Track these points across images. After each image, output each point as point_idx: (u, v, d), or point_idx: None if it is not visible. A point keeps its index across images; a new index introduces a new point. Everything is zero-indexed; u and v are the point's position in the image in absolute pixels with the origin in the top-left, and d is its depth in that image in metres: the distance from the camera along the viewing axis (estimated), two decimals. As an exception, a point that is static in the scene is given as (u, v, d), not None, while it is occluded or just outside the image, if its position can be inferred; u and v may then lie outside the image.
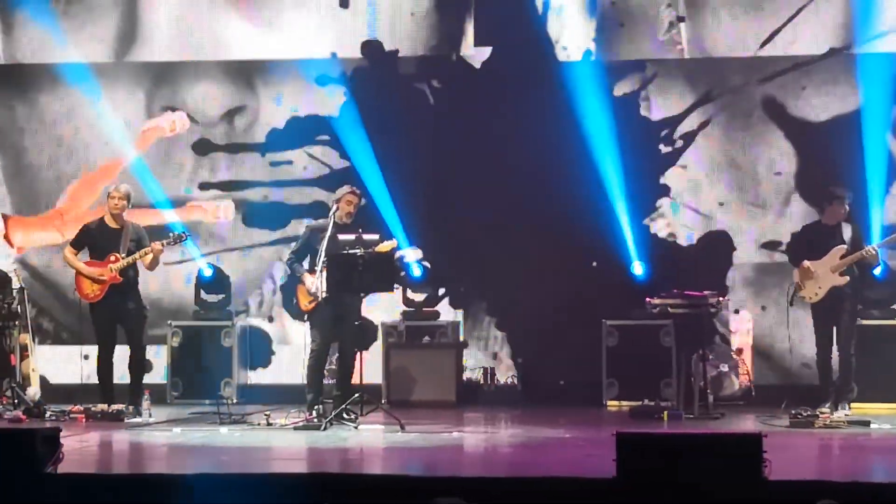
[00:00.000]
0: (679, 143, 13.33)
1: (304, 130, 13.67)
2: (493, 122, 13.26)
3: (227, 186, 13.79)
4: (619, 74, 13.36)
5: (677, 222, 13.30)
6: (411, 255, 13.20)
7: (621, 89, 13.36)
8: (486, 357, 13.42)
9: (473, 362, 13.31)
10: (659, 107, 13.34)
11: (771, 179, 13.19)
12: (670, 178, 13.34)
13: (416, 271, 13.13)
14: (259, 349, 13.55)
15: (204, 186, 13.79)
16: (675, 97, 13.34)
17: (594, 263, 13.06)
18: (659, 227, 13.29)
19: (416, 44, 13.64)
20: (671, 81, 13.34)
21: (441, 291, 13.44)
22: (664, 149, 13.36)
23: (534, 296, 13.25)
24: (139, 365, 11.46)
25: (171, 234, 11.56)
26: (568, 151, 12.99)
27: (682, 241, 13.28)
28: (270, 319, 13.65)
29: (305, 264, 10.98)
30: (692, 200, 13.30)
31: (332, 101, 13.65)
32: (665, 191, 13.33)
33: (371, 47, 13.65)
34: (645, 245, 13.09)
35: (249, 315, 13.64)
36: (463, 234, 13.39)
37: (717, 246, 13.20)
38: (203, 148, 13.84)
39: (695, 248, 13.25)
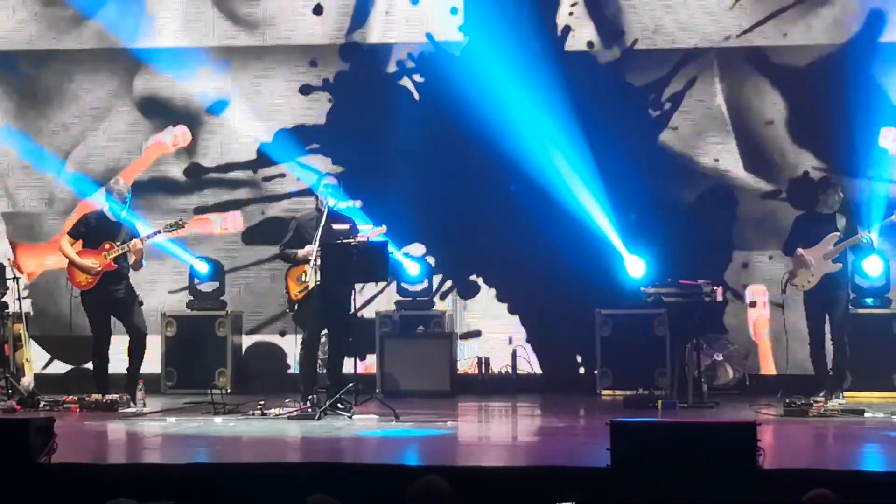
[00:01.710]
0: (667, 106, 13.33)
1: (293, 141, 13.65)
2: (479, 108, 13.23)
3: (223, 207, 13.77)
4: (601, 45, 13.39)
5: (677, 184, 13.28)
6: (414, 252, 13.22)
7: (604, 59, 13.37)
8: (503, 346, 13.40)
9: (467, 352, 13.31)
10: (643, 70, 13.36)
11: (763, 128, 13.19)
12: (663, 140, 13.32)
13: (414, 270, 13.08)
14: (274, 367, 13.49)
15: (199, 210, 13.78)
16: (657, 59, 13.34)
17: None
18: (658, 191, 13.25)
19: (393, 40, 13.61)
20: (652, 44, 13.36)
21: (448, 283, 13.48)
22: (653, 113, 13.36)
23: (527, 285, 13.27)
24: (138, 351, 11.41)
25: (168, 223, 11.50)
26: (556, 131, 12.98)
27: (684, 202, 13.26)
28: (282, 334, 13.61)
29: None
30: (688, 159, 13.27)
31: (317, 109, 13.64)
32: (660, 154, 13.31)
33: (350, 50, 13.64)
34: (648, 210, 13.06)
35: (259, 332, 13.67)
36: (459, 226, 13.40)
37: (720, 202, 13.21)
38: (194, 171, 13.81)
39: (697, 207, 13.24)
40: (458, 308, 13.50)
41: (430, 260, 13.42)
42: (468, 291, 13.57)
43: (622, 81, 13.36)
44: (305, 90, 13.71)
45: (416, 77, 13.64)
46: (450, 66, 13.49)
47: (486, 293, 13.55)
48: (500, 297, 13.53)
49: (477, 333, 13.45)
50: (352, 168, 13.24)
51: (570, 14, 13.44)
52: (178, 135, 13.83)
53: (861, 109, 12.59)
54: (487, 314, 13.51)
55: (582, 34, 13.44)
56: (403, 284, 13.12)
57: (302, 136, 13.66)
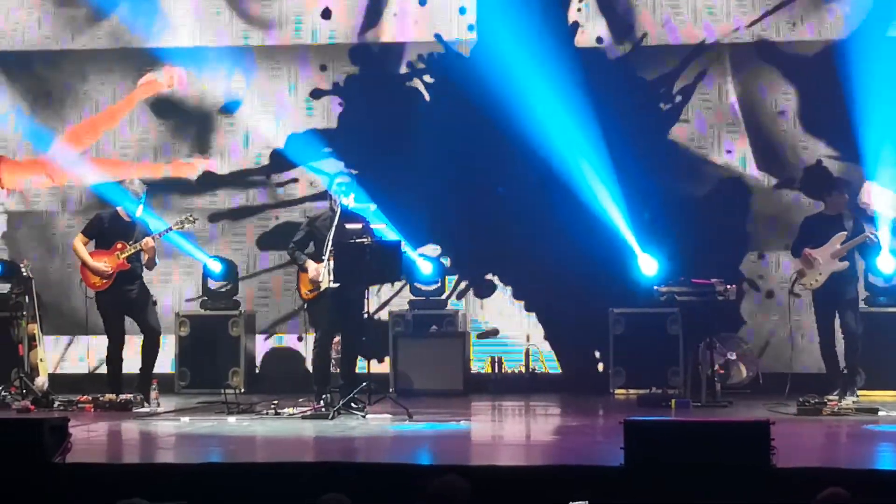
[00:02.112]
0: (678, 98, 13.32)
1: (304, 146, 13.65)
2: (491, 107, 13.24)
3: (237, 214, 13.76)
4: (612, 40, 13.36)
5: (690, 177, 13.24)
6: (429, 253, 13.25)
7: (613, 54, 13.36)
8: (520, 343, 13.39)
9: (485, 350, 13.32)
10: (653, 65, 13.33)
11: (775, 119, 13.19)
12: (676, 134, 13.31)
13: (427, 269, 13.07)
14: (292, 373, 13.48)
15: (214, 218, 13.76)
16: (667, 52, 13.33)
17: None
18: (671, 185, 13.20)
19: (403, 42, 13.61)
20: (661, 38, 13.35)
21: (464, 283, 13.49)
22: (664, 106, 13.34)
23: (543, 282, 13.28)
24: (153, 350, 11.44)
25: (179, 219, 11.54)
26: (568, 127, 12.97)
27: (698, 194, 13.23)
28: (300, 339, 13.61)
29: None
30: (701, 152, 13.27)
31: (329, 113, 13.65)
32: (672, 147, 13.29)
33: (359, 52, 13.64)
34: (661, 207, 13.04)
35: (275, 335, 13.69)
36: (473, 225, 13.38)
37: (733, 194, 13.18)
38: (208, 180, 13.81)
39: (710, 204, 13.21)
40: (472, 307, 13.49)
41: (446, 261, 13.41)
42: (484, 290, 13.57)
43: (633, 76, 13.34)
44: (317, 94, 13.71)
45: (427, 78, 13.64)
46: (460, 65, 13.49)
47: (503, 292, 13.52)
48: (517, 295, 13.52)
49: (494, 332, 13.45)
50: (365, 171, 13.19)
51: (579, 10, 13.43)
52: (175, 75, 13.82)
53: (873, 95, 12.58)
54: (504, 312, 13.50)
55: (591, 30, 13.41)
56: (417, 284, 13.12)
57: (314, 140, 13.66)
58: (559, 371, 13.33)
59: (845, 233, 11.37)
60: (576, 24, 13.42)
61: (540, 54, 13.11)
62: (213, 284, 13.28)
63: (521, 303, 13.51)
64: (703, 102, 13.30)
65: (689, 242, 12.55)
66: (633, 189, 12.92)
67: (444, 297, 13.21)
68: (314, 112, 13.70)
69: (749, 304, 13.11)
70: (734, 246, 13.15)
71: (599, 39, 13.41)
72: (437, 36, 13.59)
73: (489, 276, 13.57)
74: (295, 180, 13.72)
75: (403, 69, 13.64)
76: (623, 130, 12.97)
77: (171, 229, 11.48)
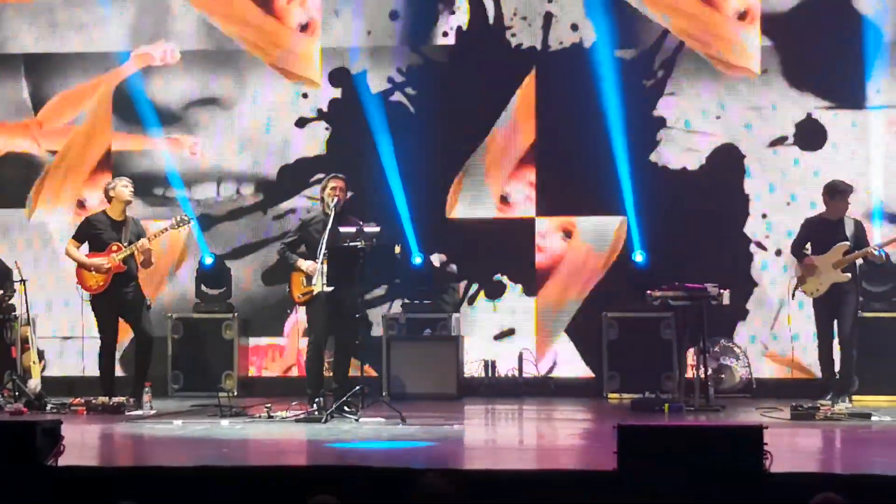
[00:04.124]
0: (661, 73, 13.29)
1: (296, 176, 13.62)
2: (476, 110, 13.26)
3: (239, 253, 13.69)
4: (590, 26, 13.34)
5: (682, 148, 13.25)
6: (435, 261, 13.26)
7: (590, 40, 13.30)
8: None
9: (474, 354, 13.29)
10: (631, 42, 13.32)
11: (760, 79, 13.16)
12: (662, 108, 13.30)
13: (417, 259, 13.11)
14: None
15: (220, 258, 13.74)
16: (644, 26, 13.32)
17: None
18: (665, 159, 13.23)
19: (380, 58, 13.59)
20: (635, 15, 13.31)
21: (475, 287, 13.47)
22: (647, 82, 13.32)
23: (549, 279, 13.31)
24: (145, 354, 11.44)
25: (175, 218, 11.58)
26: (558, 125, 13.00)
27: (693, 165, 13.23)
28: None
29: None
30: (690, 122, 13.26)
31: (316, 140, 13.63)
32: (661, 122, 13.29)
33: (339, 76, 13.61)
34: (655, 181, 13.04)
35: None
36: (475, 229, 13.37)
37: (727, 158, 13.17)
38: (205, 222, 13.76)
39: (706, 168, 13.19)
40: (486, 309, 13.47)
41: (453, 267, 13.41)
42: (495, 291, 13.54)
43: (611, 58, 13.27)
44: (301, 123, 13.67)
45: (409, 90, 13.60)
46: (440, 73, 13.48)
47: (512, 291, 13.49)
48: (528, 292, 13.47)
49: (511, 332, 13.43)
50: (360, 191, 13.05)
51: (551, 2, 13.41)
52: (168, 51, 13.77)
53: (853, 40, 12.74)
54: (517, 311, 13.46)
55: (566, 19, 13.36)
56: (410, 269, 13.08)
57: (305, 169, 13.62)
58: (583, 365, 13.25)
59: (848, 244, 11.36)
60: (549, 15, 13.38)
61: (518, 53, 13.17)
62: (207, 288, 13.27)
63: (533, 299, 13.47)
64: (686, 70, 13.23)
65: (689, 216, 12.71)
66: (630, 175, 12.95)
67: (458, 303, 13.24)
68: (302, 140, 13.66)
69: (758, 265, 13.07)
70: (735, 210, 13.10)
71: (574, 27, 13.34)
72: (414, 47, 13.56)
73: (497, 277, 13.53)
74: (292, 211, 13.65)
75: (385, 85, 13.58)
76: (613, 117, 12.96)
77: (166, 230, 11.50)
